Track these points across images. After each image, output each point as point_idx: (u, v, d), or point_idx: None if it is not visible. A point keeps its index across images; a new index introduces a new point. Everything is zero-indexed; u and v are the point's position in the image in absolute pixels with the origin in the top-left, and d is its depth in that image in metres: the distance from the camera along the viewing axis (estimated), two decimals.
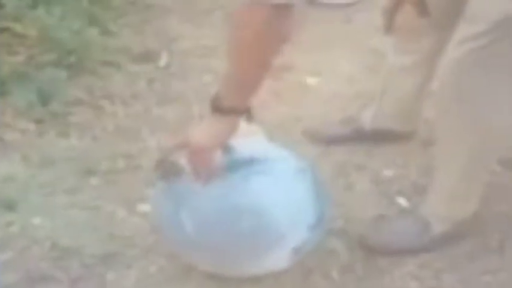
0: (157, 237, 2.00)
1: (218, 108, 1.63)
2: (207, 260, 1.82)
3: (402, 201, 2.15)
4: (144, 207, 2.11)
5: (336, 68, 2.82)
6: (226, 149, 1.72)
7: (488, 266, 1.94)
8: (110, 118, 2.51)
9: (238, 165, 1.74)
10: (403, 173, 2.25)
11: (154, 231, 2.00)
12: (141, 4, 3.25)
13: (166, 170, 1.76)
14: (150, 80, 2.75)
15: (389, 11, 2.07)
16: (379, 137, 2.35)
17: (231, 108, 1.62)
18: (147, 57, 2.88)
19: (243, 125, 1.68)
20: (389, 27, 2.08)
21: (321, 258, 1.95)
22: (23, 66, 2.62)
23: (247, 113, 1.67)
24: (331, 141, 2.38)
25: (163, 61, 2.87)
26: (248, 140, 1.75)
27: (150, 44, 2.96)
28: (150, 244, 2.00)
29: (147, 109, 2.58)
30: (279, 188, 1.75)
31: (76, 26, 2.77)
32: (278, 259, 1.79)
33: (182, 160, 1.73)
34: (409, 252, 1.97)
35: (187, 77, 2.78)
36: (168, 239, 1.88)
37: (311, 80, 2.76)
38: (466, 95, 1.82)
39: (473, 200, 1.98)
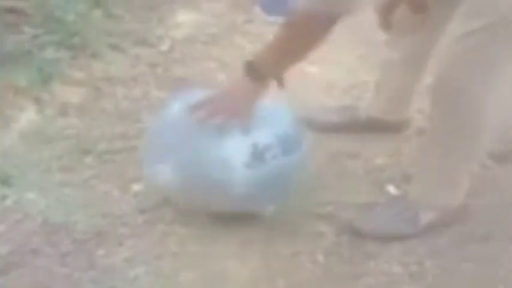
0: (149, 217, 2.04)
1: (254, 72, 1.84)
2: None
3: (392, 189, 2.17)
4: (138, 187, 2.14)
5: (335, 58, 2.84)
6: None
7: (471, 254, 1.96)
8: (109, 100, 2.55)
9: None
10: (395, 161, 2.28)
11: (145, 211, 2.04)
12: None
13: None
14: (152, 64, 2.78)
15: (385, 9, 2.11)
16: (373, 126, 2.38)
17: (266, 77, 1.85)
18: (150, 42, 2.91)
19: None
20: (385, 24, 2.12)
21: (308, 240, 1.98)
22: (27, 45, 2.67)
23: (280, 79, 1.89)
24: (327, 129, 2.40)
25: (165, 46, 2.90)
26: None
27: (154, 29, 2.99)
28: (141, 223, 2.03)
29: (147, 92, 2.61)
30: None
31: (81, 8, 2.81)
32: (237, 149, 1.84)
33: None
34: (396, 238, 1.99)
35: (189, 63, 2.81)
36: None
37: (310, 69, 2.78)
38: (459, 89, 1.87)
39: (461, 191, 2.02)
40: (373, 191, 2.17)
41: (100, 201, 2.09)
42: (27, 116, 2.42)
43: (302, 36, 1.81)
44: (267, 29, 2.59)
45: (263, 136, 1.87)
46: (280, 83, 1.91)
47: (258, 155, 1.86)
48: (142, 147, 2.07)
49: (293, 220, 2.04)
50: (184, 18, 3.07)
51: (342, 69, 2.80)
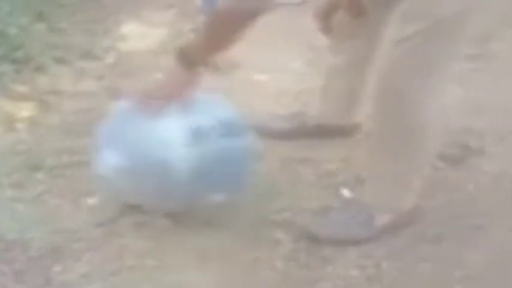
0: (104, 230, 2.02)
1: (188, 61, 1.95)
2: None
3: (346, 192, 2.19)
4: (90, 201, 2.12)
5: (283, 66, 2.86)
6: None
7: (426, 255, 1.98)
8: (56, 114, 2.52)
9: None
10: (347, 165, 2.30)
11: (100, 225, 2.02)
12: (91, 2, 3.25)
13: None
14: (98, 77, 2.76)
15: (323, 14, 2.15)
16: (323, 131, 2.41)
17: (197, 60, 1.96)
18: (96, 54, 2.89)
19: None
20: (325, 29, 2.17)
21: (265, 248, 1.98)
22: None
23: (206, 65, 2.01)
24: (278, 136, 2.42)
25: (111, 58, 2.88)
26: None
27: (99, 41, 2.97)
28: (97, 237, 2.01)
29: (94, 105, 2.58)
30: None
31: (23, 22, 2.77)
32: (176, 129, 1.91)
33: None
34: (352, 242, 2.01)
35: (136, 74, 2.79)
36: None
37: (259, 77, 2.79)
38: (399, 93, 1.91)
39: (413, 192, 2.05)
40: (327, 196, 2.19)
41: (54, 217, 2.07)
42: None
43: (224, 30, 1.93)
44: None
45: (203, 118, 1.94)
46: (207, 66, 2.04)
47: (198, 136, 1.90)
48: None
49: (249, 227, 2.04)
50: (130, 30, 3.05)
51: (290, 76, 2.82)
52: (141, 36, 3.01)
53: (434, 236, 2.04)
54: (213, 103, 2.02)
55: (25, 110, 2.50)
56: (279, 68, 2.84)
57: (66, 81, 2.70)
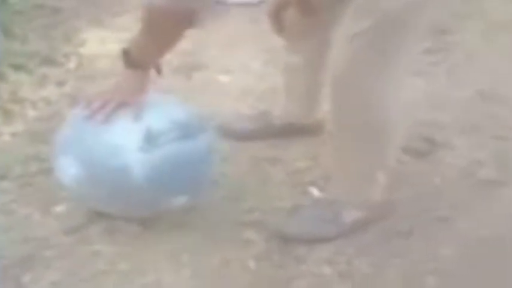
0: (74, 238, 2.00)
1: (131, 62, 1.91)
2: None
3: (315, 191, 2.20)
4: (59, 209, 2.10)
5: (246, 66, 2.87)
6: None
7: (397, 249, 2.00)
8: (19, 122, 2.49)
9: None
10: (314, 163, 2.31)
11: (70, 232, 2.01)
12: (48, 8, 3.22)
13: None
14: (60, 83, 2.73)
15: (274, 13, 2.15)
16: (289, 131, 2.41)
17: (142, 63, 1.92)
18: (56, 60, 2.86)
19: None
20: (277, 29, 2.17)
21: (238, 248, 1.99)
22: None
23: (157, 67, 1.97)
24: (244, 137, 2.42)
25: (72, 64, 2.86)
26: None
27: (59, 47, 2.94)
28: (67, 245, 1.99)
29: (57, 112, 2.56)
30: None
31: None
32: (128, 134, 1.89)
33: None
34: (323, 239, 2.02)
35: (98, 79, 2.77)
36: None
37: (222, 78, 2.79)
38: (356, 89, 1.92)
39: (379, 187, 2.06)
40: (296, 195, 2.20)
41: (22, 225, 2.04)
42: None
43: (159, 30, 1.86)
44: None
45: (156, 121, 1.91)
46: (158, 69, 1.98)
47: (151, 139, 1.88)
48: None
49: (221, 229, 2.04)
50: (90, 35, 3.03)
51: (252, 76, 2.82)
52: (101, 41, 2.99)
53: (403, 230, 2.06)
54: (166, 105, 2.00)
55: None
56: (240, 69, 2.84)
57: (28, 88, 2.67)
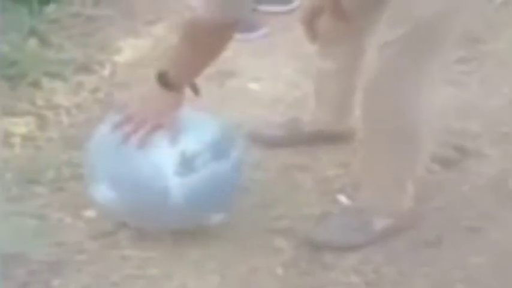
0: (104, 242, 2.03)
1: (167, 83, 1.89)
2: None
3: (344, 198, 2.20)
4: (90, 214, 2.13)
5: (276, 74, 2.87)
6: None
7: (426, 258, 2.00)
8: (54, 128, 2.52)
9: None
10: (344, 171, 2.31)
11: (99, 237, 2.04)
12: (84, 17, 3.25)
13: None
14: (94, 90, 2.76)
15: (307, 20, 2.15)
16: (319, 138, 2.41)
17: (179, 83, 1.90)
18: (91, 68, 2.89)
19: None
20: (311, 36, 2.17)
21: (266, 255, 2.00)
22: None
23: (193, 87, 1.95)
24: (273, 144, 2.42)
25: (106, 71, 2.89)
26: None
27: (93, 55, 2.97)
28: (97, 249, 2.02)
29: (91, 119, 2.59)
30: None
31: (14, 38, 2.78)
32: (165, 158, 1.88)
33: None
34: (351, 247, 2.02)
35: (131, 86, 2.80)
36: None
37: (253, 86, 2.80)
38: (387, 97, 1.93)
39: (409, 195, 2.06)
40: (325, 202, 2.20)
41: (54, 230, 2.08)
42: None
43: (207, 46, 1.85)
44: None
45: (191, 143, 1.90)
46: (194, 89, 1.97)
47: (187, 163, 1.88)
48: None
49: (249, 235, 2.06)
50: (124, 43, 3.05)
51: (282, 83, 2.82)
52: (135, 49, 3.02)
53: (432, 239, 2.06)
54: (199, 124, 1.97)
55: (22, 126, 2.51)
56: (270, 77, 2.85)
57: (62, 95, 2.70)
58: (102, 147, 1.97)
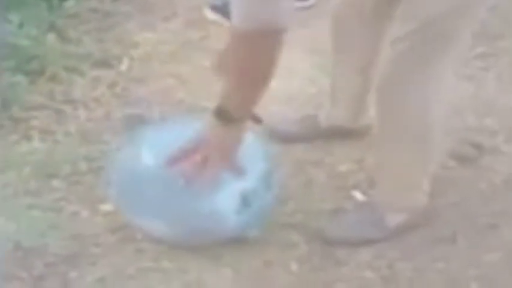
0: (120, 235, 2.04)
1: (230, 119, 1.78)
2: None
3: (358, 194, 2.21)
4: (107, 207, 2.14)
5: (293, 70, 2.87)
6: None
7: (440, 254, 2.00)
8: (71, 122, 2.54)
9: None
10: (359, 167, 2.31)
11: (115, 230, 2.06)
12: (102, 12, 3.27)
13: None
14: (111, 84, 2.78)
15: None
16: (334, 134, 2.41)
17: (241, 117, 1.79)
18: (108, 62, 2.91)
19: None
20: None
21: (280, 250, 2.01)
22: None
23: (253, 116, 1.87)
24: (290, 139, 2.43)
25: (124, 66, 2.90)
26: None
27: (111, 49, 2.98)
28: (113, 243, 2.04)
29: (108, 113, 2.61)
30: None
31: (34, 33, 2.81)
32: (228, 200, 1.88)
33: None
34: (365, 243, 2.03)
35: (148, 81, 2.81)
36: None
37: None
38: (400, 91, 1.94)
39: (423, 191, 2.06)
40: (339, 198, 2.20)
41: (70, 223, 2.10)
42: None
43: (256, 60, 1.73)
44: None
45: (249, 181, 1.90)
46: (256, 119, 1.91)
47: (245, 201, 1.90)
48: (116, 196, 2.03)
49: (264, 230, 2.06)
50: (141, 38, 3.07)
51: (298, 80, 2.82)
52: (152, 43, 3.03)
53: (447, 236, 2.06)
54: (252, 155, 1.92)
55: (41, 119, 2.53)
56: (286, 73, 2.84)
57: (80, 89, 2.72)
58: (150, 180, 1.90)
